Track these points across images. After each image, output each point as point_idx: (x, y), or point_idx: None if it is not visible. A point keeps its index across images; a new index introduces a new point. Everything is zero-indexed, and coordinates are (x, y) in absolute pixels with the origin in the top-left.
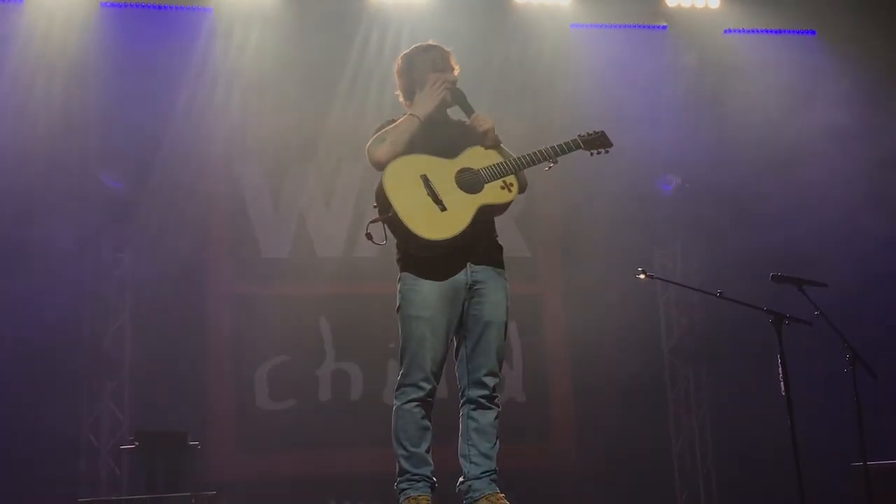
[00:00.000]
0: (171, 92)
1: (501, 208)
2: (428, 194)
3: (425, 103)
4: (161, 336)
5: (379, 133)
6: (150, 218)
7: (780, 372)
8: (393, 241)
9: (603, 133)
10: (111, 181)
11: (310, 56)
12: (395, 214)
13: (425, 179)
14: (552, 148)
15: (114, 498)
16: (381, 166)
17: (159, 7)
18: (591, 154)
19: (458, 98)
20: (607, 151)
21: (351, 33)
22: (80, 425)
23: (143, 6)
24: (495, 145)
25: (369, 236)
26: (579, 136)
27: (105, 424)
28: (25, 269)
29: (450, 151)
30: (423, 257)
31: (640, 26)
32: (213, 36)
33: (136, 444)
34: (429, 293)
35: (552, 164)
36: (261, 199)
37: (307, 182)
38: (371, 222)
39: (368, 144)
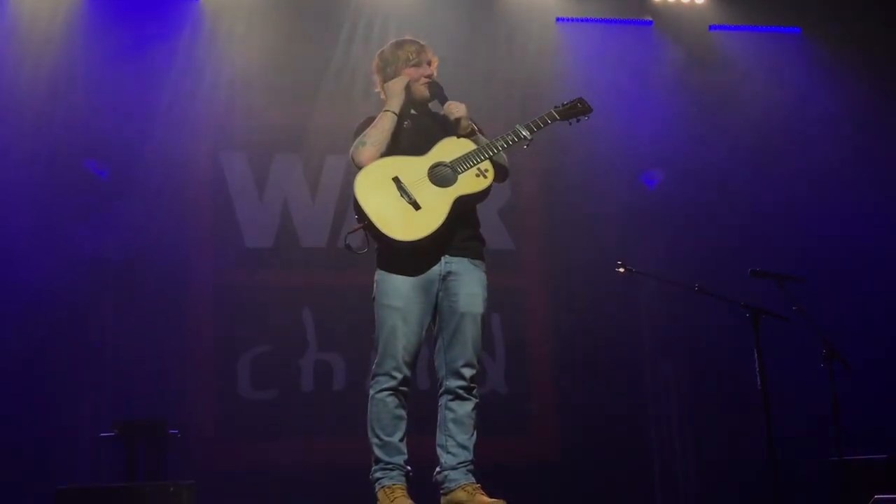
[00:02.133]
0: (157, 81)
1: (479, 196)
2: (401, 196)
3: (393, 95)
4: (142, 324)
5: (359, 137)
6: (133, 207)
7: (757, 366)
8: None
9: (580, 99)
10: (95, 169)
11: (297, 47)
12: (370, 222)
13: (397, 181)
14: (526, 126)
15: (92, 486)
16: None
17: None
18: (570, 123)
19: (436, 91)
20: (588, 118)
21: (338, 25)
22: (59, 413)
23: None
24: (470, 133)
25: (348, 247)
26: (554, 108)
27: (84, 412)
28: (3, 256)
29: (430, 148)
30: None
31: (625, 21)
32: (199, 26)
33: (116, 432)
34: (401, 283)
35: (528, 143)
36: (245, 189)
37: (292, 172)
38: (349, 232)
39: (351, 151)
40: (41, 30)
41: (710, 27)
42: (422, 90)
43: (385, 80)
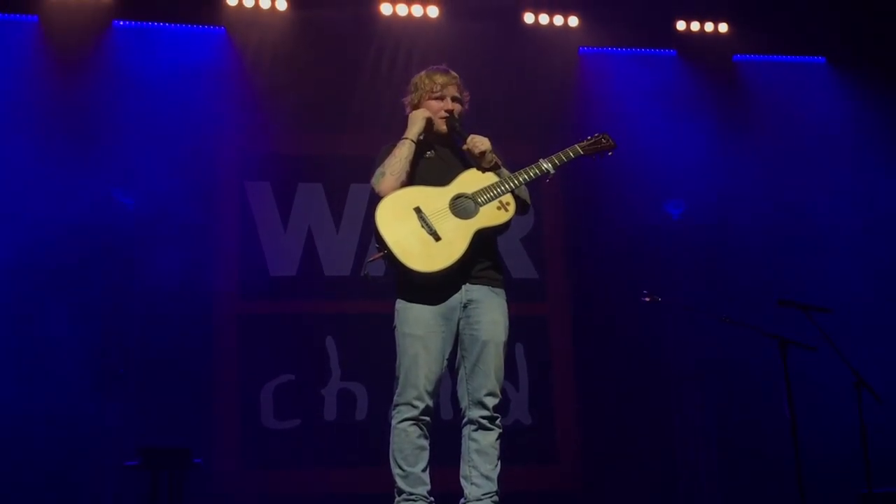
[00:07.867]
0: (182, 109)
1: (500, 229)
2: (422, 226)
3: (412, 124)
4: (167, 352)
5: (379, 167)
6: (159, 234)
7: (786, 396)
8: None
9: (604, 135)
10: (121, 197)
11: (320, 77)
12: (390, 251)
13: (418, 212)
14: (548, 160)
15: None
16: None
17: (171, 26)
18: (594, 159)
19: (453, 127)
20: (611, 154)
21: (362, 54)
22: (83, 441)
23: (155, 25)
24: (493, 167)
25: (366, 276)
26: (578, 144)
27: (109, 441)
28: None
29: (451, 179)
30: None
31: (649, 51)
32: (225, 56)
33: (140, 460)
34: (422, 311)
35: (550, 177)
36: (269, 218)
37: (316, 202)
38: (369, 261)
39: (372, 180)
40: (68, 59)
41: (734, 57)
42: (440, 124)
43: (411, 106)
